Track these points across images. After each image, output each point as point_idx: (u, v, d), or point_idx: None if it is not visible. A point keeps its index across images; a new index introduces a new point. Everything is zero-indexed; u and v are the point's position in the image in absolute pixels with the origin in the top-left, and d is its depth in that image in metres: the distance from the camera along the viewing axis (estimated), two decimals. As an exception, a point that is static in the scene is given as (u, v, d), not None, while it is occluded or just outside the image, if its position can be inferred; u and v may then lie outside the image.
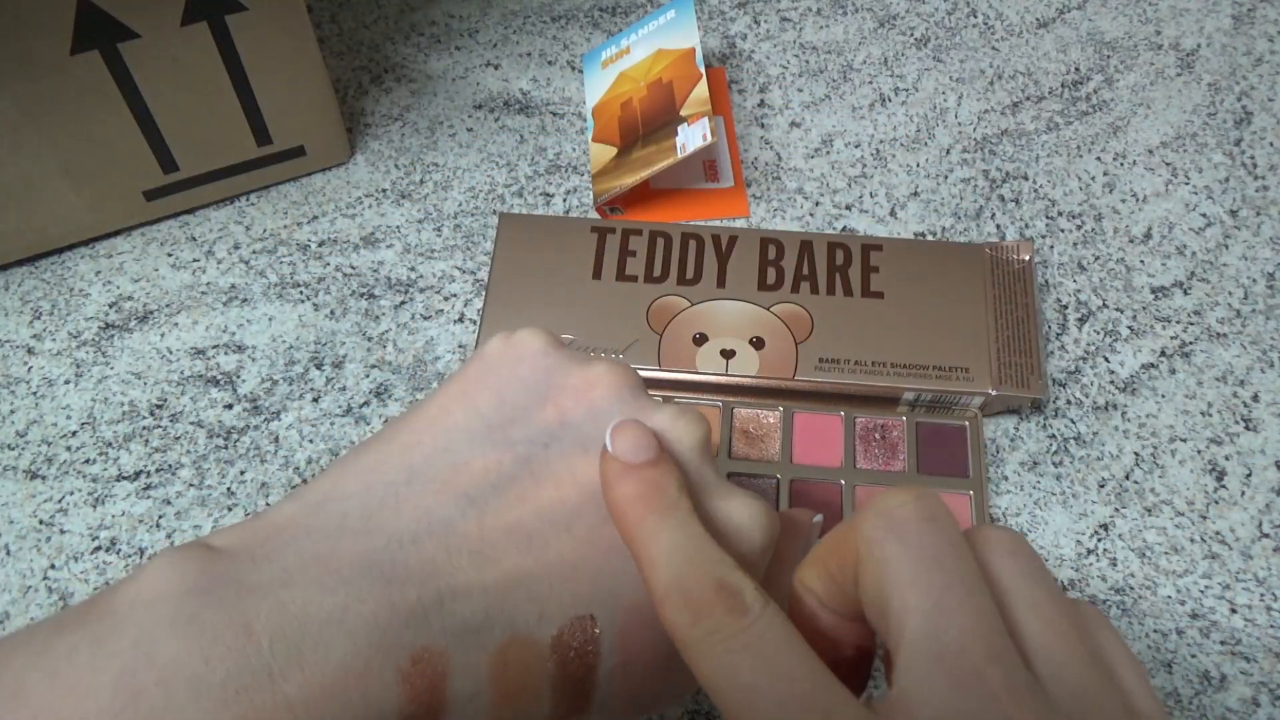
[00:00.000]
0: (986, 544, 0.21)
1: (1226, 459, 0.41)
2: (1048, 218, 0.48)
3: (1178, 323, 0.45)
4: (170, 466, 0.41)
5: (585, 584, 0.23)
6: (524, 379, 0.25)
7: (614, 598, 0.23)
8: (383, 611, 0.20)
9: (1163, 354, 0.44)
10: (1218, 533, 0.40)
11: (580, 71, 0.53)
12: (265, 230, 0.47)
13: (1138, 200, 0.48)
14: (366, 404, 0.42)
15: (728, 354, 0.41)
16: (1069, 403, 0.43)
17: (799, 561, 0.25)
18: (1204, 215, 0.48)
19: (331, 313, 0.45)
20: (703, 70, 0.47)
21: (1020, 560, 0.21)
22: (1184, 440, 0.42)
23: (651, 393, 0.28)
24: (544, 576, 0.22)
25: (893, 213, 0.48)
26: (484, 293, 0.44)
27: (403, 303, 0.45)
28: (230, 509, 0.40)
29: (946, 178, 0.49)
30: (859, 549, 0.21)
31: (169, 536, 0.39)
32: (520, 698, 0.22)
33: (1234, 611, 0.38)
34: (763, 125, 0.51)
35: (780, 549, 0.26)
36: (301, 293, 0.45)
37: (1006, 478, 0.41)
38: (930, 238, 0.47)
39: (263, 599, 0.20)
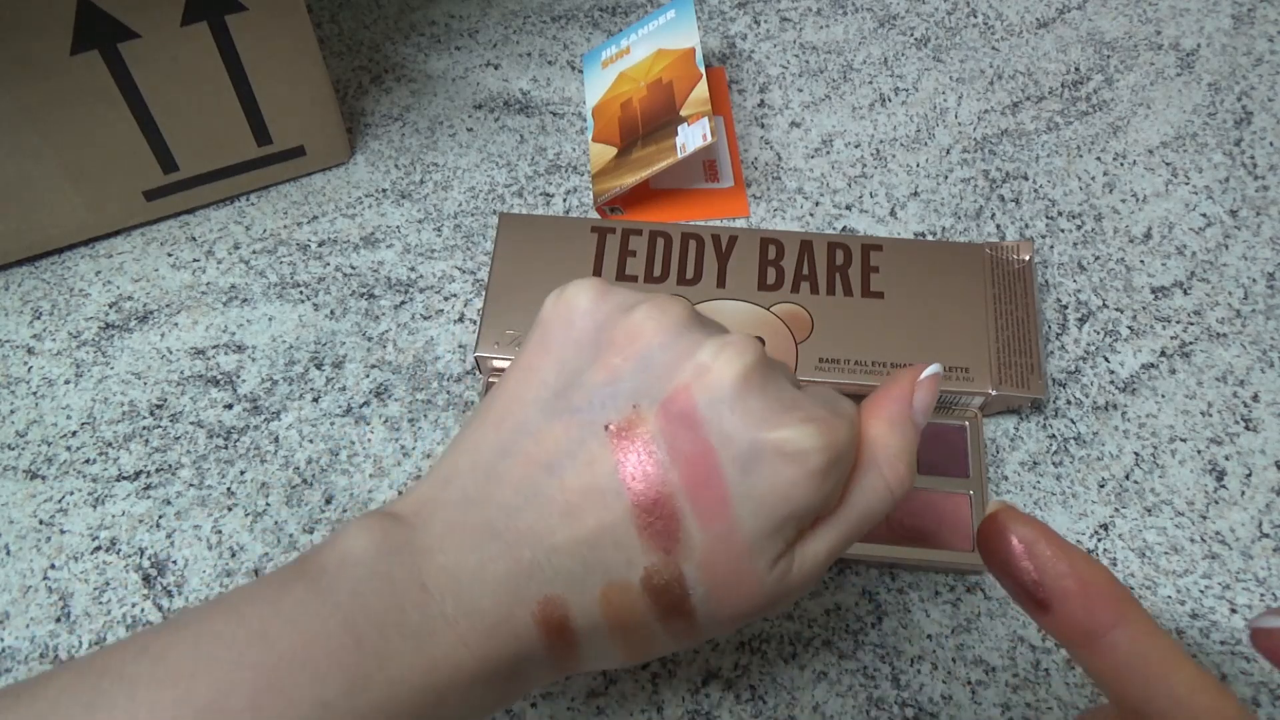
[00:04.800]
0: None
1: (1226, 459, 0.41)
2: (1048, 218, 0.48)
3: (1178, 323, 0.45)
4: (170, 466, 0.41)
5: None
6: (577, 341, 0.27)
7: (688, 537, 0.25)
8: (510, 567, 0.24)
9: (1163, 354, 0.44)
10: (1218, 533, 0.40)
11: (580, 71, 0.53)
12: (265, 230, 0.47)
13: (1138, 200, 0.48)
14: (366, 404, 0.42)
15: (728, 354, 0.41)
16: (1069, 403, 0.43)
17: (903, 416, 0.28)
18: (1204, 215, 0.48)
19: (331, 313, 0.45)
20: (703, 70, 0.47)
21: None
22: (1184, 440, 0.42)
23: None
24: (623, 526, 0.24)
25: (893, 213, 0.48)
26: (484, 293, 0.44)
27: (403, 303, 0.45)
28: (230, 509, 0.40)
29: (946, 178, 0.49)
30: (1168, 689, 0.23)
31: (169, 536, 0.39)
32: (634, 628, 0.25)
33: (1234, 611, 0.38)
34: (763, 125, 0.51)
35: (878, 407, 0.28)
36: (301, 293, 0.45)
37: (1006, 478, 0.41)
38: (930, 238, 0.47)
39: (428, 560, 0.24)
